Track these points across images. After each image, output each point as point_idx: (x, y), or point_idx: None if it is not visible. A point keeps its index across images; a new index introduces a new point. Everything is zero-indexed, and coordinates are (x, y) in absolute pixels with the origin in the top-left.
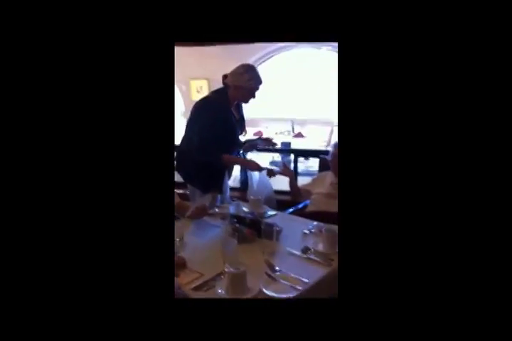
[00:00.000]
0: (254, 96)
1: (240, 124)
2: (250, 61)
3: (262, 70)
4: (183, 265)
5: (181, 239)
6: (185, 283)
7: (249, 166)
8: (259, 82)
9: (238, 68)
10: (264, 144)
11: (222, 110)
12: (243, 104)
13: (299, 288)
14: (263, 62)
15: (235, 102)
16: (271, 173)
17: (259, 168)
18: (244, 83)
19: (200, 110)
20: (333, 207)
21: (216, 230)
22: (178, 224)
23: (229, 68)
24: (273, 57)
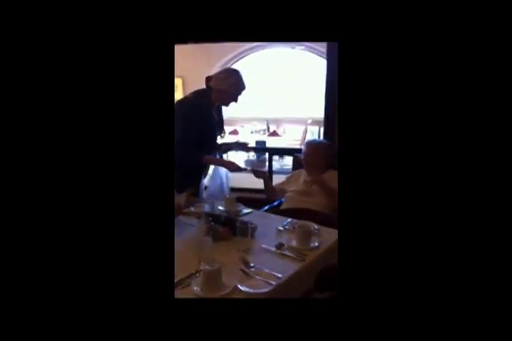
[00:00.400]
0: (236, 101)
1: (219, 126)
2: (224, 60)
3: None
4: None
5: None
6: None
7: (229, 167)
8: (243, 87)
9: (223, 72)
10: (240, 148)
11: (204, 111)
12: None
13: (273, 282)
14: (236, 61)
15: (216, 104)
16: (257, 174)
17: (238, 169)
18: (227, 87)
19: (182, 110)
20: (306, 204)
21: (191, 229)
22: None
23: (202, 67)
24: (246, 57)
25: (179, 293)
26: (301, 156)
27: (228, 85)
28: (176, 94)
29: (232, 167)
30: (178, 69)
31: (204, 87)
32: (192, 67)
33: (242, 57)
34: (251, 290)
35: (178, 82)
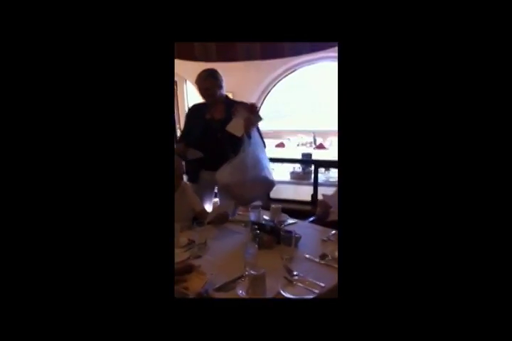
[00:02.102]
0: (204, 97)
1: (220, 125)
2: (273, 76)
3: (284, 84)
4: (190, 270)
5: (204, 243)
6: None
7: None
8: (197, 83)
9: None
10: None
11: (195, 109)
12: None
13: (316, 291)
14: (285, 76)
15: (209, 102)
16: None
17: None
18: (196, 84)
19: None
20: None
21: (238, 236)
22: (201, 229)
23: (252, 83)
24: (295, 72)
25: (224, 296)
26: None
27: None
28: None
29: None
30: (229, 85)
31: (253, 101)
32: (242, 83)
33: (291, 72)
34: (293, 297)
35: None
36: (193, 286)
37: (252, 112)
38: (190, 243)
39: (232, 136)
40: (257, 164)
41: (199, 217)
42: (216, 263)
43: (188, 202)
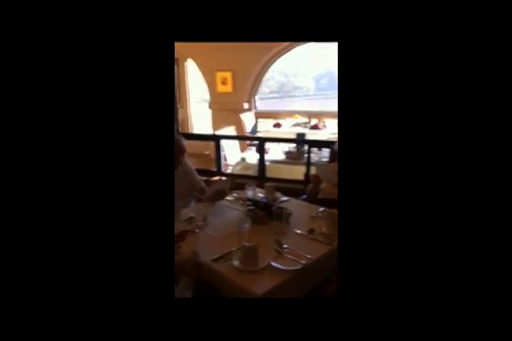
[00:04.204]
0: None
1: None
2: (271, 54)
3: (280, 64)
4: (184, 236)
5: (205, 218)
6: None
7: None
8: None
9: None
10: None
11: None
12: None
13: (303, 262)
14: (281, 55)
15: None
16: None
17: None
18: None
19: None
20: None
21: (235, 212)
22: (201, 205)
23: (250, 61)
24: (291, 51)
25: (221, 266)
26: (336, 148)
27: None
28: (225, 86)
29: None
30: (228, 63)
31: (251, 79)
32: (241, 61)
33: (287, 52)
34: (282, 267)
35: (228, 74)
36: (185, 248)
37: None
38: (191, 218)
39: None
40: None
41: (198, 194)
42: (215, 236)
43: (188, 179)
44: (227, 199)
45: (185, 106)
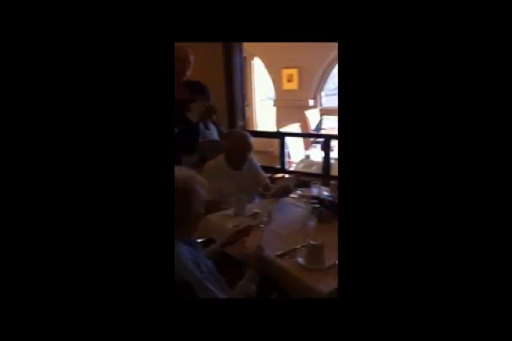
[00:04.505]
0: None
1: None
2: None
3: None
4: (249, 231)
5: (269, 214)
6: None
7: None
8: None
9: None
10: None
11: None
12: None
13: None
14: None
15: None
16: None
17: None
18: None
19: None
20: None
21: (299, 209)
22: (265, 202)
23: (318, 57)
24: None
25: (285, 262)
26: None
27: None
28: (291, 83)
29: None
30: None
31: (317, 76)
32: (308, 58)
33: None
34: None
35: (294, 71)
36: (249, 243)
37: None
38: (256, 213)
39: None
40: None
41: (263, 190)
42: (279, 233)
43: (253, 176)
44: (291, 197)
45: (250, 105)
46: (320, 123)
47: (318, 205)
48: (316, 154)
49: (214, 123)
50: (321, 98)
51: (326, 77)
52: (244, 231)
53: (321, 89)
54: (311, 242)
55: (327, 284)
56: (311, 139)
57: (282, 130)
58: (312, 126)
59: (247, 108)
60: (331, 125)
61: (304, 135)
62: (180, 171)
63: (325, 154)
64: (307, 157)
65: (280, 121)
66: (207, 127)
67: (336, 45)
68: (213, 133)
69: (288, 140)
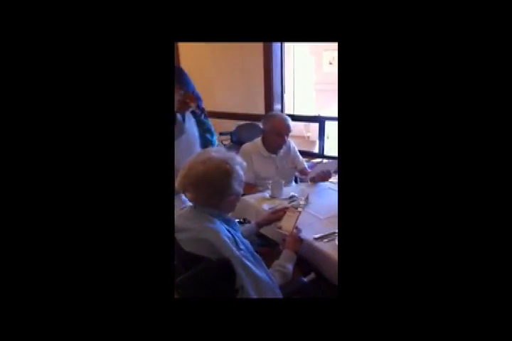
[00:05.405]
0: None
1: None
2: None
3: None
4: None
5: (307, 198)
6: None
7: None
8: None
9: None
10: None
11: None
12: None
13: None
14: None
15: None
16: None
17: None
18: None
19: None
20: None
21: (335, 194)
22: (303, 185)
23: None
24: None
25: (324, 245)
26: None
27: None
28: (332, 66)
29: None
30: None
31: None
32: None
33: None
34: None
35: (335, 54)
36: (286, 225)
37: None
38: (292, 196)
39: None
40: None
41: (300, 174)
42: (316, 216)
43: (290, 159)
44: (330, 181)
45: (289, 88)
46: None
47: None
48: None
49: (194, 112)
50: None
51: None
52: (281, 212)
53: None
54: None
55: None
56: None
57: (322, 114)
58: None
59: (285, 91)
60: None
61: None
62: (221, 152)
63: None
64: None
65: (320, 104)
66: (184, 119)
67: None
68: (190, 127)
69: (328, 124)
